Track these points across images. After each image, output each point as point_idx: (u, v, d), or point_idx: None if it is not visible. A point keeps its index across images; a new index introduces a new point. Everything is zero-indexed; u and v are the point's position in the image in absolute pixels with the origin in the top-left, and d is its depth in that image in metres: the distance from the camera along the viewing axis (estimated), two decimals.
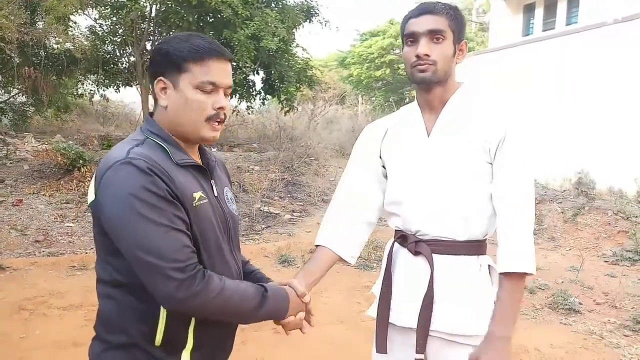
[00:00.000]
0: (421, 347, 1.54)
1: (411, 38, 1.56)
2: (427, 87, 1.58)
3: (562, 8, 10.52)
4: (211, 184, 1.38)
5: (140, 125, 1.37)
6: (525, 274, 1.46)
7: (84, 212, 6.69)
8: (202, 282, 1.18)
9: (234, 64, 11.40)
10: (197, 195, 1.27)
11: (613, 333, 4.13)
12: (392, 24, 25.10)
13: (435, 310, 1.54)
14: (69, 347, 3.45)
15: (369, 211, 1.70)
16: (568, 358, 3.69)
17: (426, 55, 1.51)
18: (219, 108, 1.29)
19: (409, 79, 1.62)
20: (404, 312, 1.59)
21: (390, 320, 1.62)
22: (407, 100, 24.91)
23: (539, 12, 11.00)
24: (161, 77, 1.29)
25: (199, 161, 1.38)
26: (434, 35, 1.52)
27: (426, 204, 1.57)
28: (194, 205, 1.26)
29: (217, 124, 1.30)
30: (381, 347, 1.62)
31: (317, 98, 15.46)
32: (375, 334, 1.64)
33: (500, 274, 1.48)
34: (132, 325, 1.25)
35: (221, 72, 1.29)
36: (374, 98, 25.75)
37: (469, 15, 28.35)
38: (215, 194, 1.38)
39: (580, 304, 4.67)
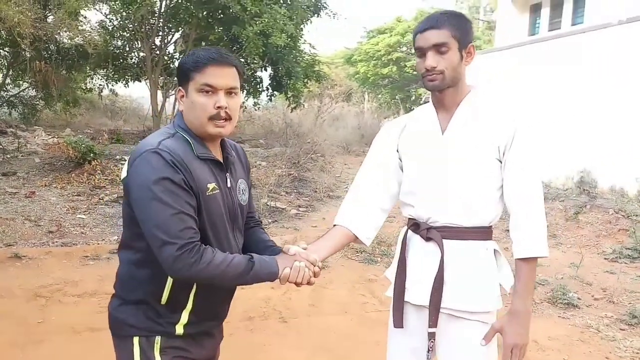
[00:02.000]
0: (433, 322, 1.73)
1: (420, 52, 1.72)
2: (439, 91, 1.75)
3: (568, 8, 10.58)
4: (226, 177, 1.60)
5: (172, 120, 1.61)
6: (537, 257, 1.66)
7: (95, 205, 6.86)
8: (197, 255, 1.41)
9: (242, 60, 11.55)
10: (210, 186, 1.51)
11: (609, 327, 4.25)
12: (399, 21, 25.14)
13: (445, 289, 1.72)
14: (85, 331, 3.60)
15: (384, 198, 1.87)
16: (565, 350, 3.81)
17: (433, 67, 1.67)
18: (218, 107, 1.49)
19: (423, 86, 1.80)
20: (418, 292, 1.78)
21: (405, 299, 1.81)
22: (413, 98, 24.96)
23: (545, 12, 11.06)
24: (180, 87, 1.56)
25: (219, 155, 1.61)
26: (439, 48, 1.67)
27: (438, 194, 1.74)
28: (207, 194, 1.50)
29: (220, 121, 1.51)
30: (398, 323, 1.81)
31: (324, 95, 15.57)
32: (392, 311, 1.83)
33: (518, 259, 1.66)
34: (144, 286, 1.52)
35: (217, 75, 1.49)
36: (380, 96, 25.83)
37: (476, 13, 28.36)
38: (229, 186, 1.61)
39: (578, 299, 4.79)
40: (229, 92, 1.52)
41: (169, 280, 1.50)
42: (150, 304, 1.52)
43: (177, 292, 1.52)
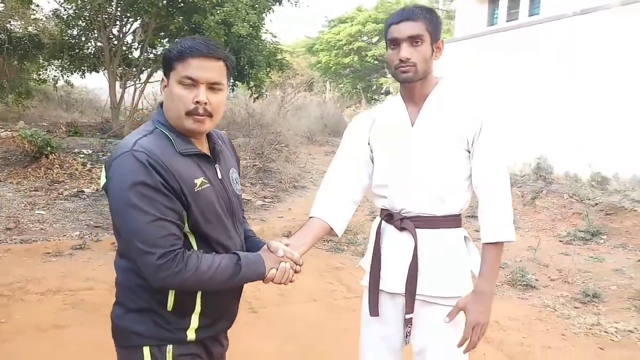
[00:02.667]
0: (410, 308, 1.80)
1: (393, 43, 1.75)
2: (409, 84, 1.79)
3: None
4: (215, 168, 1.52)
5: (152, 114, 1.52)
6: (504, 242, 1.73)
7: (54, 200, 6.69)
8: (180, 264, 1.34)
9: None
10: (198, 181, 1.42)
11: (565, 305, 4.47)
12: (360, 10, 25.23)
13: (420, 276, 1.78)
14: (51, 329, 3.54)
15: (355, 190, 1.90)
16: (524, 329, 3.98)
17: (407, 58, 1.72)
18: (197, 102, 1.40)
19: (394, 77, 1.82)
20: (393, 280, 1.83)
21: (380, 287, 1.86)
22: (375, 87, 25.16)
23: (503, 3, 11.30)
24: (164, 77, 1.47)
25: (204, 148, 1.52)
26: (413, 40, 1.72)
27: (409, 185, 1.80)
28: (195, 190, 1.41)
29: (199, 117, 1.42)
30: (373, 311, 1.87)
31: (286, 85, 15.53)
32: (368, 300, 1.88)
33: (485, 243, 1.73)
34: (148, 293, 1.43)
35: (201, 68, 1.40)
36: (341, 85, 25.92)
37: (435, 2, 28.69)
38: (220, 177, 1.53)
39: (536, 280, 5.00)
40: (212, 87, 1.43)
41: None
42: (157, 311, 1.44)
43: (183, 296, 1.44)
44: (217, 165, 1.54)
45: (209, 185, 1.45)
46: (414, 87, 1.80)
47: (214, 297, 1.49)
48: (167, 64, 1.44)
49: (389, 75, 22.19)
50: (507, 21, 11.23)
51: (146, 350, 1.44)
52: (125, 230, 1.34)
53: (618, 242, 6.12)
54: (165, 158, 1.37)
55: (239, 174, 1.69)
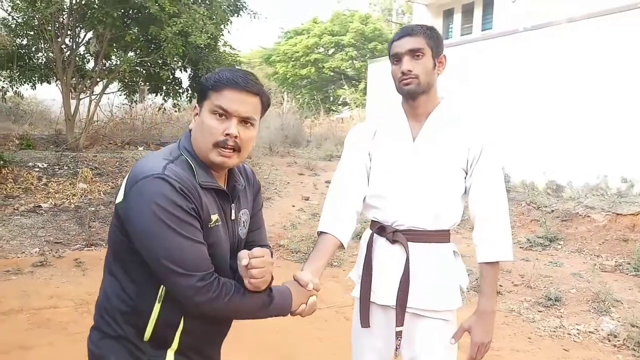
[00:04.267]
0: (400, 321, 1.81)
1: (396, 58, 1.82)
2: (413, 98, 1.83)
3: (477, 14, 11.28)
4: (231, 208, 1.48)
5: (180, 139, 1.47)
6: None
7: (10, 216, 6.40)
8: (217, 288, 1.32)
9: (160, 60, 11.21)
10: (213, 217, 1.40)
11: (529, 310, 4.64)
12: (316, 22, 25.47)
13: (411, 290, 1.80)
14: (15, 350, 3.39)
15: (358, 201, 1.92)
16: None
17: (409, 70, 1.77)
18: (227, 134, 1.36)
19: (398, 91, 1.87)
20: (384, 293, 1.85)
21: (371, 299, 1.87)
22: (332, 98, 25.39)
23: (457, 18, 11.71)
24: (197, 104, 1.44)
25: (223, 184, 1.47)
26: (414, 53, 1.78)
27: (406, 199, 1.83)
28: (210, 225, 1.39)
29: (226, 150, 1.37)
30: (364, 322, 1.87)
31: None
32: (360, 312, 1.89)
33: (483, 263, 1.78)
34: (127, 321, 1.38)
35: (235, 101, 1.36)
36: (299, 96, 26.02)
37: (389, 15, 29.35)
38: (232, 218, 1.49)
39: (500, 286, 5.16)
40: (244, 121, 1.39)
41: (154, 315, 1.37)
42: (132, 341, 1.39)
43: (163, 328, 1.39)
44: (233, 205, 1.50)
45: (220, 224, 1.43)
46: (417, 103, 1.84)
47: (194, 337, 1.44)
48: (202, 92, 1.41)
49: (346, 87, 22.50)
50: (461, 35, 11.63)
51: None
52: (158, 253, 1.28)
53: (574, 247, 6.40)
54: (194, 187, 1.34)
55: (259, 206, 1.65)
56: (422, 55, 1.78)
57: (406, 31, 1.81)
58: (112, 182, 8.02)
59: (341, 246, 1.88)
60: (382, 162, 1.90)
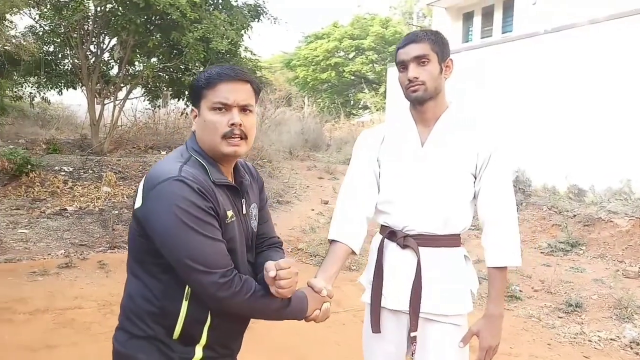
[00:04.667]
0: (414, 326, 1.82)
1: (402, 65, 1.83)
2: (420, 103, 1.84)
3: (498, 17, 11.20)
4: (242, 202, 1.54)
5: (186, 141, 1.52)
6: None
7: (37, 218, 6.58)
8: (239, 284, 1.37)
9: (182, 66, 11.39)
10: (229, 213, 1.45)
11: (549, 315, 4.59)
12: (336, 26, 25.54)
13: (423, 294, 1.81)
14: (42, 349, 3.50)
15: (369, 207, 1.93)
16: (510, 339, 4.08)
17: (415, 78, 1.79)
18: (232, 124, 1.42)
19: (406, 98, 1.88)
20: (396, 298, 1.86)
21: (382, 305, 1.88)
22: (352, 102, 25.41)
23: (477, 21, 11.64)
24: (193, 107, 1.50)
25: (232, 180, 1.54)
26: (420, 59, 1.79)
27: (415, 204, 1.84)
28: (226, 222, 1.44)
29: (235, 139, 1.44)
30: (375, 328, 1.88)
31: (265, 100, 15.61)
32: (370, 317, 1.90)
33: (492, 267, 1.79)
34: (156, 321, 1.42)
35: (232, 91, 1.43)
36: (319, 100, 26.10)
37: (409, 19, 29.26)
38: (244, 212, 1.55)
39: (520, 291, 5.13)
40: (244, 109, 1.45)
41: (182, 314, 1.41)
42: (162, 340, 1.42)
43: (191, 326, 1.43)
44: (243, 200, 1.55)
45: (234, 219, 1.48)
46: (425, 108, 1.85)
47: (221, 331, 1.48)
48: (196, 93, 1.46)
49: (367, 91, 22.49)
50: (481, 38, 11.55)
51: None
52: (181, 252, 1.33)
53: (597, 253, 6.31)
54: (210, 186, 1.39)
55: (264, 202, 1.70)
56: (428, 61, 1.80)
57: (411, 38, 1.82)
58: (135, 186, 8.17)
59: (352, 253, 1.90)
60: (391, 168, 1.91)
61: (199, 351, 1.45)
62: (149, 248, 1.39)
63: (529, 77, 9.05)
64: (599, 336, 4.18)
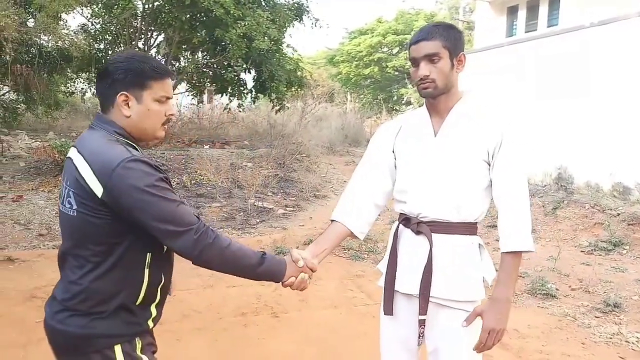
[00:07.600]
0: (423, 310, 1.87)
1: (414, 62, 1.88)
2: (433, 98, 1.89)
3: (543, 10, 10.88)
4: None
5: (99, 126, 1.60)
6: (522, 252, 1.80)
7: None
8: (213, 235, 1.54)
9: (225, 62, 11.63)
10: None
11: (585, 315, 4.47)
12: (380, 22, 25.42)
13: (433, 279, 1.86)
14: None
15: (378, 195, 2.01)
16: (543, 337, 4.01)
17: (426, 76, 1.83)
18: (171, 115, 1.65)
19: (419, 93, 1.94)
20: (407, 281, 1.92)
21: (395, 288, 1.95)
22: (395, 97, 25.23)
23: (522, 14, 11.35)
24: (124, 92, 1.56)
25: None
26: (430, 57, 1.82)
27: (428, 192, 1.89)
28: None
29: (166, 126, 1.68)
30: (388, 310, 1.96)
31: (307, 96, 15.73)
32: (383, 300, 1.97)
33: (503, 252, 1.80)
34: (123, 290, 1.53)
35: (170, 87, 1.66)
36: (362, 96, 26.06)
37: (456, 13, 28.73)
38: None
39: (556, 289, 5.02)
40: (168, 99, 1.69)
41: (145, 280, 1.55)
42: (128, 307, 1.54)
43: (151, 289, 1.58)
44: None
45: None
46: (437, 101, 1.90)
47: (167, 287, 1.65)
48: (140, 82, 1.57)
49: (410, 86, 22.28)
50: (525, 32, 11.27)
51: (117, 348, 1.52)
52: (155, 220, 1.46)
53: None
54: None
55: None
56: (439, 59, 1.82)
57: (422, 35, 1.85)
58: (178, 178, 8.43)
59: (352, 235, 1.97)
60: (406, 158, 1.97)
61: (153, 310, 1.63)
62: (114, 229, 1.48)
63: (573, 72, 8.77)
64: (637, 337, 4.05)
